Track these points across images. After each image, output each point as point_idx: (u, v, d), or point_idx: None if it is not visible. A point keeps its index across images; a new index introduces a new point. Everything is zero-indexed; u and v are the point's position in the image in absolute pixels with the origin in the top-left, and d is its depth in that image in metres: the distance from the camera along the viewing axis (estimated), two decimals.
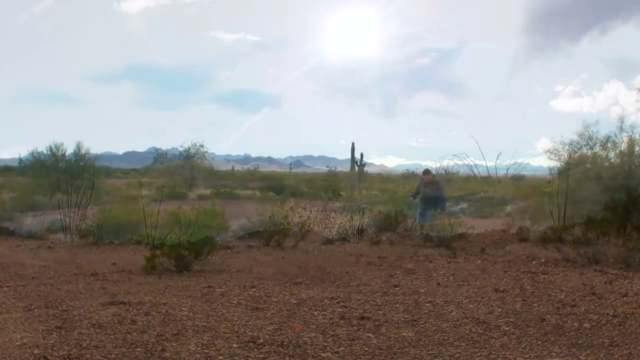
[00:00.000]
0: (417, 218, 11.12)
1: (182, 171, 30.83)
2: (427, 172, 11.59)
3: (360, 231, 10.92)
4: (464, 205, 19.57)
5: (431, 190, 11.09)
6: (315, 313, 4.94)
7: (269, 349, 3.89)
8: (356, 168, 31.05)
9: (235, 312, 4.93)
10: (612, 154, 12.43)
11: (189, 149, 32.76)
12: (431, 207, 11.02)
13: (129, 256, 8.60)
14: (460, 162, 27.84)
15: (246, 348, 3.89)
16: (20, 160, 25.18)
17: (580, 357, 3.81)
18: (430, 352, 3.93)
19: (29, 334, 4.05)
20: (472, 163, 27.09)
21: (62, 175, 16.59)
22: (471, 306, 5.26)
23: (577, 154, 12.55)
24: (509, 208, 17.19)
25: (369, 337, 4.24)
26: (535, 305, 5.26)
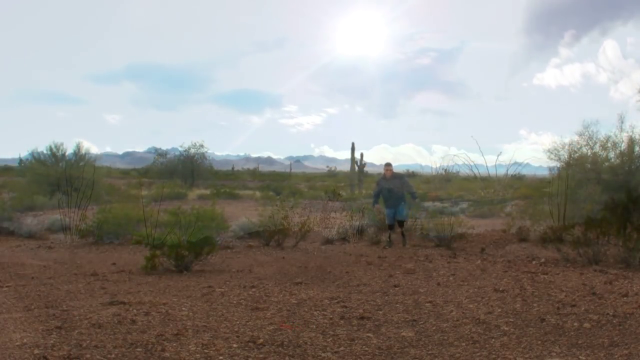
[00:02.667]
0: (389, 221, 10.16)
1: (182, 170, 30.87)
2: (388, 165, 10.35)
3: (360, 231, 10.93)
4: (463, 205, 19.56)
5: (394, 184, 9.91)
6: (315, 313, 4.94)
7: (269, 349, 3.89)
8: (356, 168, 31.04)
9: (235, 312, 4.93)
10: (612, 154, 12.44)
11: (189, 149, 32.76)
12: (395, 203, 9.93)
13: (129, 256, 8.61)
14: (460, 162, 27.80)
15: (246, 348, 3.89)
16: (20, 160, 25.27)
17: (580, 357, 3.80)
18: (430, 352, 3.93)
19: (29, 334, 4.05)
20: (472, 163, 27.05)
21: (62, 175, 16.63)
22: (471, 306, 5.26)
23: (577, 154, 12.56)
24: (509, 208, 17.20)
25: (369, 337, 4.24)
26: (535, 305, 5.26)
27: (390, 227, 10.18)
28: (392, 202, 10.05)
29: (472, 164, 26.65)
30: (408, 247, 9.76)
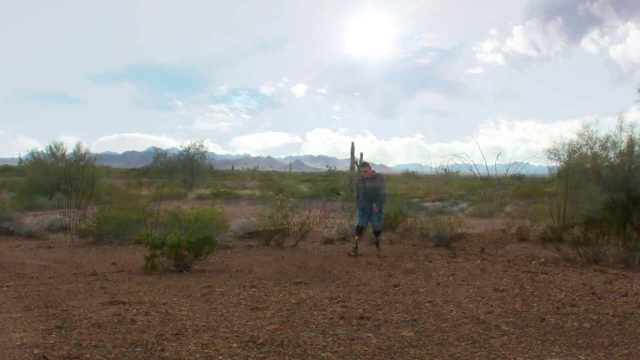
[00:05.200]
0: (358, 221, 9.24)
1: (182, 170, 30.85)
2: (365, 165, 9.67)
3: (360, 231, 10.90)
4: (464, 205, 19.56)
5: (372, 185, 9.09)
6: (315, 313, 4.94)
7: (269, 349, 3.89)
8: (356, 168, 31.05)
9: (235, 312, 4.93)
10: (612, 154, 12.47)
11: (189, 149, 32.75)
12: (369, 207, 9.07)
13: (129, 256, 8.61)
14: (460, 162, 27.83)
15: (246, 348, 3.89)
16: (20, 160, 25.27)
17: (580, 357, 3.80)
18: (430, 352, 3.92)
19: (29, 334, 4.05)
20: (472, 163, 27.08)
21: (62, 175, 16.65)
22: (471, 306, 5.26)
23: (577, 154, 12.58)
24: (509, 208, 17.20)
25: (369, 337, 4.24)
26: (535, 305, 5.26)
27: (358, 231, 9.25)
28: (366, 205, 9.16)
29: (472, 164, 26.66)
30: (408, 247, 9.74)
